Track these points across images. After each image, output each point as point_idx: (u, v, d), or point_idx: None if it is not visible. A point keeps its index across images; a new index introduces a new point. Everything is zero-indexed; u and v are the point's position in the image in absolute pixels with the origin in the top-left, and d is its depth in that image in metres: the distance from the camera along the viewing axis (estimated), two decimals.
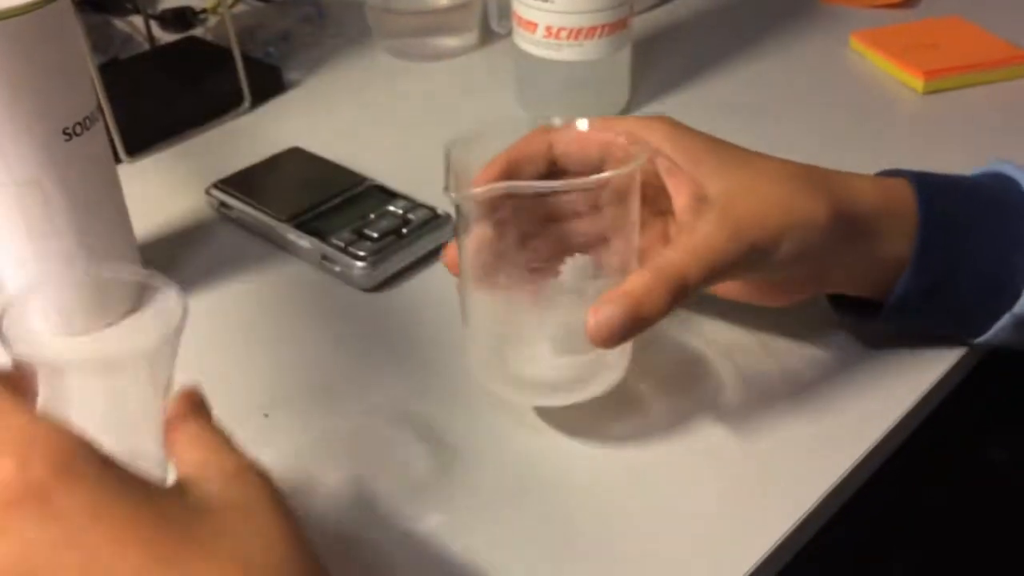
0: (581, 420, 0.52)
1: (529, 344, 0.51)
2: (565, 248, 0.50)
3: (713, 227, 0.46)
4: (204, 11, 0.96)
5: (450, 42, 0.91)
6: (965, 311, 0.52)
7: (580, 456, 0.50)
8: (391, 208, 0.65)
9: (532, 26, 0.75)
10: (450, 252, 0.51)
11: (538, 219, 0.50)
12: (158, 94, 0.82)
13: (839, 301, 0.56)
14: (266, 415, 0.53)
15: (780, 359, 0.55)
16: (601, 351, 0.46)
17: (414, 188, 0.67)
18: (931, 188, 0.51)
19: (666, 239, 0.54)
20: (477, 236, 0.48)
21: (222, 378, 0.54)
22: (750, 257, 0.47)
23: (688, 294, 0.45)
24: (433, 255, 0.64)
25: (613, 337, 0.44)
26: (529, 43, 0.76)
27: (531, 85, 0.79)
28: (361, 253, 0.61)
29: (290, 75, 0.88)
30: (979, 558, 0.75)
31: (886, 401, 0.52)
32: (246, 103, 0.82)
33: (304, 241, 0.63)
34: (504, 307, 0.50)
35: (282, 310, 0.61)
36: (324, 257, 0.62)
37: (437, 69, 0.89)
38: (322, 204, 0.66)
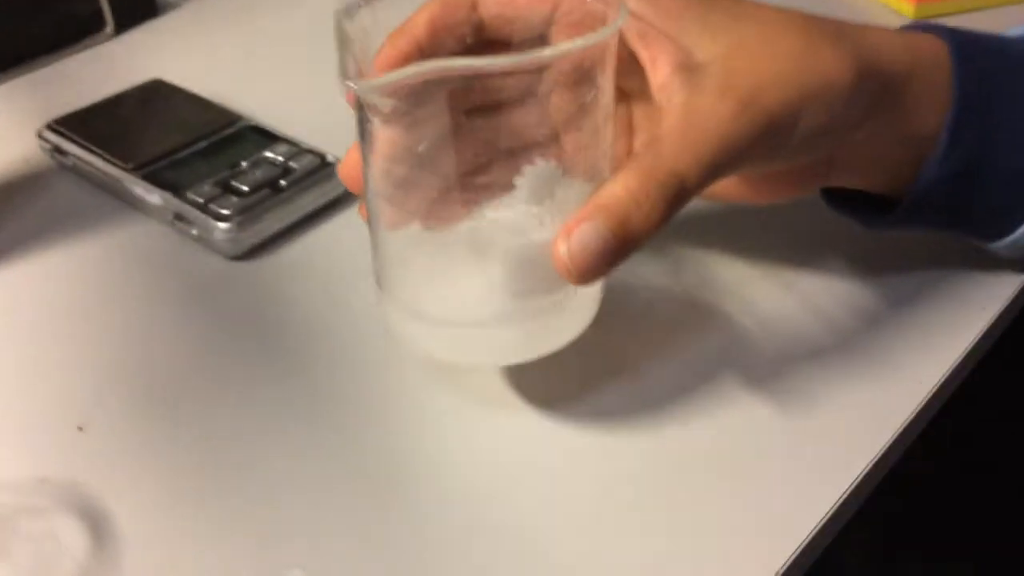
0: (554, 391, 0.41)
1: (465, 285, 0.38)
2: (504, 151, 0.37)
3: (712, 101, 0.35)
4: None
5: None
6: (992, 206, 0.42)
7: (557, 441, 0.39)
8: (268, 154, 0.52)
9: None
10: (348, 160, 0.39)
11: (468, 113, 0.37)
12: None
13: (833, 197, 0.44)
14: (80, 428, 0.40)
15: (802, 295, 0.44)
16: (562, 288, 0.34)
17: (301, 130, 0.54)
18: (968, 49, 0.40)
19: (630, 133, 0.42)
20: (387, 142, 0.35)
21: (36, 373, 0.42)
22: (766, 138, 0.35)
23: (688, 198, 0.34)
24: (320, 214, 0.51)
25: (593, 266, 0.33)
26: None
27: None
28: (224, 211, 0.48)
29: None
30: None
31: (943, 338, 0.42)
32: (108, 28, 0.68)
33: (154, 196, 0.50)
34: (428, 237, 0.38)
35: (123, 283, 0.48)
36: (178, 216, 0.49)
37: None
38: (182, 149, 0.53)
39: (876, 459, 0.37)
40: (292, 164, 0.51)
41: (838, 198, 0.44)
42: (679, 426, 0.39)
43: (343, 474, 0.38)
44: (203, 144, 0.53)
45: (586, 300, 0.38)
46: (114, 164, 0.52)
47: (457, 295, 0.37)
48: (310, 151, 0.52)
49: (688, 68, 0.36)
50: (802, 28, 0.37)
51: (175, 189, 0.50)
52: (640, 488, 0.37)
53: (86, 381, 0.42)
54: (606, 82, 0.35)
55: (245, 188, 0.49)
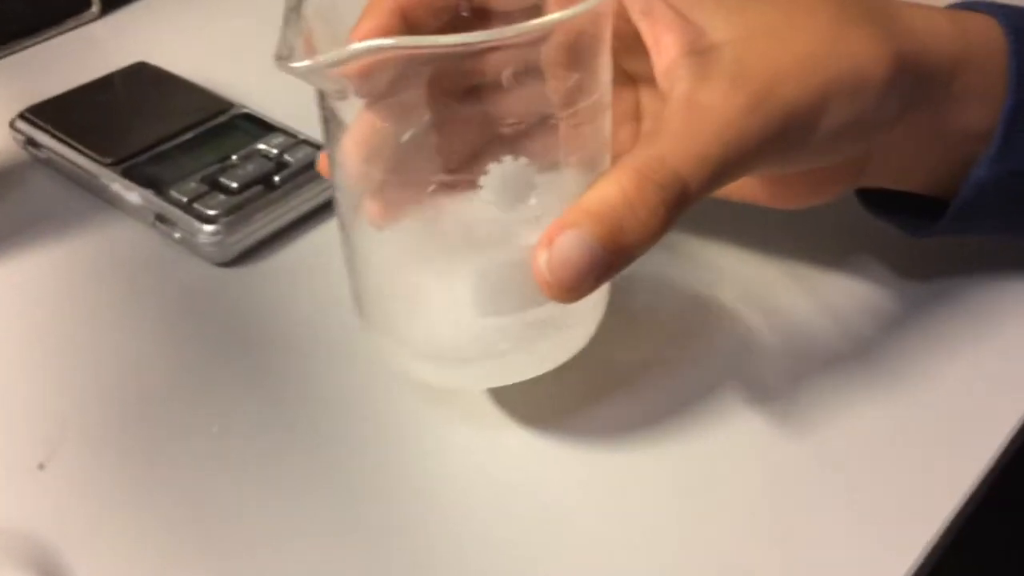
0: (547, 405, 0.36)
1: (443, 299, 0.33)
2: (489, 143, 0.32)
3: (721, 92, 0.30)
4: None
5: None
6: None
7: (551, 461, 0.34)
8: (261, 147, 0.47)
9: None
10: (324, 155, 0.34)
11: (453, 97, 0.32)
12: None
13: (871, 197, 0.39)
14: (41, 466, 0.35)
15: (824, 300, 0.39)
16: (555, 304, 0.29)
17: (299, 119, 0.49)
18: None
19: (636, 120, 0.37)
20: (357, 133, 0.30)
21: None
22: (782, 137, 0.30)
23: (690, 204, 0.29)
24: (318, 213, 0.45)
25: (577, 282, 0.28)
26: None
27: None
28: (210, 212, 0.43)
29: None
30: None
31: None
32: (94, 7, 0.63)
33: (133, 194, 0.45)
34: (403, 242, 0.33)
35: (96, 292, 0.43)
36: (159, 217, 0.44)
37: None
38: (166, 141, 0.47)
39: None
40: (288, 157, 0.46)
41: (875, 198, 0.39)
42: (680, 444, 0.34)
43: (336, 515, 0.32)
44: (190, 135, 0.48)
45: (583, 314, 0.33)
46: (90, 158, 0.46)
47: (437, 318, 0.33)
48: (308, 143, 0.47)
49: (697, 51, 0.31)
50: (832, 8, 0.32)
51: (157, 186, 0.44)
52: (639, 510, 0.32)
53: (50, 408, 0.37)
54: (602, 62, 0.30)
55: (234, 185, 0.44)
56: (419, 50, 0.27)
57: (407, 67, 0.28)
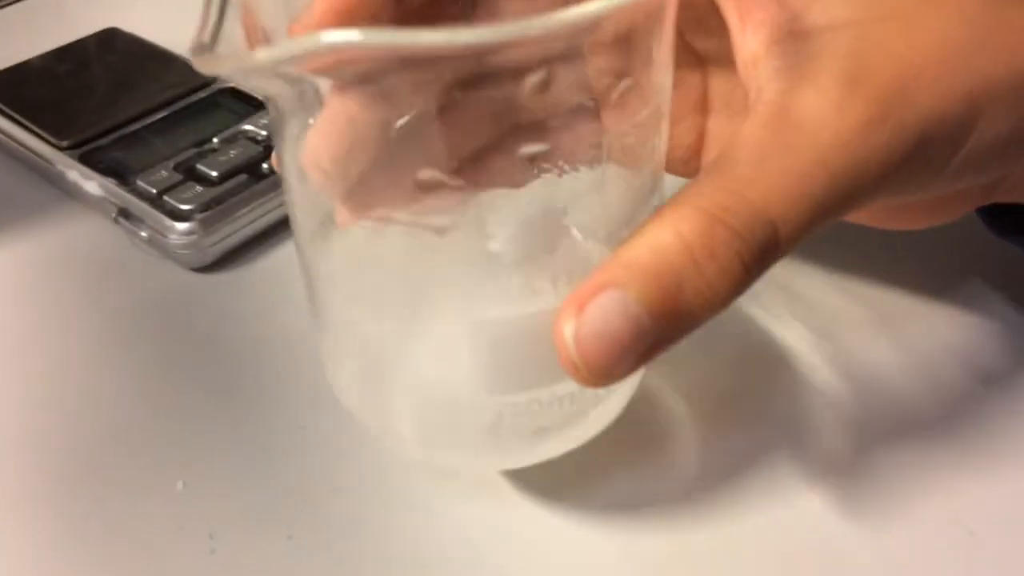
0: (567, 478, 0.28)
1: (433, 367, 0.26)
2: (504, 137, 0.24)
3: (834, 100, 0.21)
4: None
5: None
6: None
7: (574, 546, 0.27)
8: (247, 128, 0.39)
9: None
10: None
11: (458, 88, 0.22)
12: None
13: (994, 215, 0.30)
14: None
15: (910, 345, 0.31)
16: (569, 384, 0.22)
17: None
18: None
19: (702, 112, 0.30)
20: (326, 126, 0.22)
21: None
22: (913, 161, 0.22)
23: (777, 257, 0.21)
24: None
25: (613, 363, 0.20)
26: None
27: None
28: (184, 207, 0.35)
29: None
30: None
31: None
32: None
33: (92, 183, 0.37)
34: (381, 282, 0.25)
35: (47, 300, 0.35)
36: (123, 212, 0.36)
37: None
38: (135, 121, 0.40)
39: None
40: None
41: (1000, 216, 0.30)
42: (728, 523, 0.27)
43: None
44: (164, 113, 0.40)
45: (612, 398, 0.26)
46: (44, 140, 0.39)
47: (427, 393, 0.26)
48: None
49: (795, 36, 0.23)
50: None
51: (121, 175, 0.37)
52: None
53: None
54: (662, 59, 0.22)
55: (214, 174, 0.37)
56: (413, 50, 0.18)
57: (397, 64, 0.20)
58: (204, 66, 0.19)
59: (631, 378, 0.24)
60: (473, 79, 0.21)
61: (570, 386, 0.24)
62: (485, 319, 0.23)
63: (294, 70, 0.19)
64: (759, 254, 0.20)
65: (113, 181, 0.37)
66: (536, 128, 0.23)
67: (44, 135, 0.39)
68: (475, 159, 0.24)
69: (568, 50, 0.21)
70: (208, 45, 0.19)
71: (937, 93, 0.22)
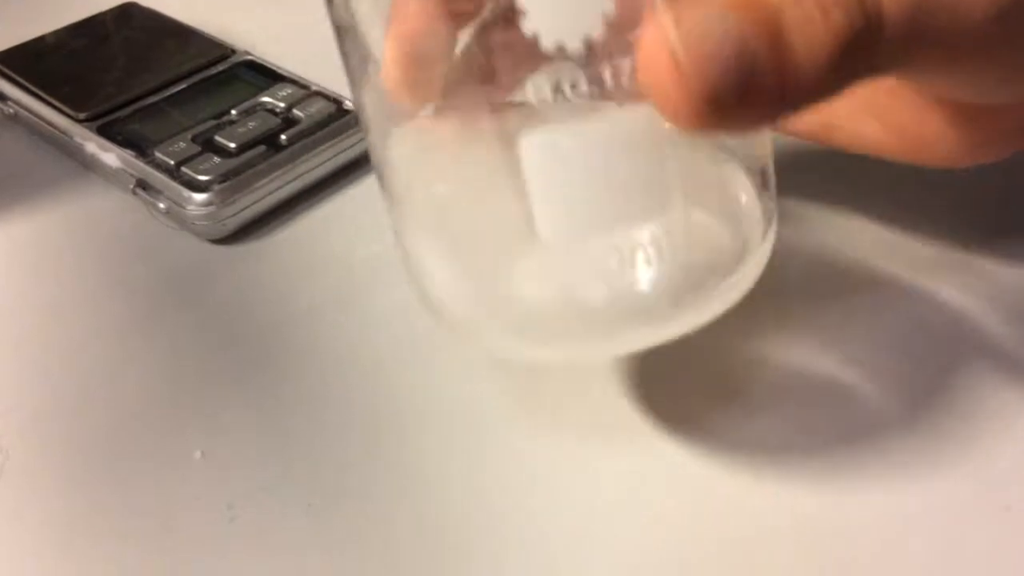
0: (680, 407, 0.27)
1: (517, 231, 0.22)
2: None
3: None
4: None
5: None
6: None
7: (691, 486, 0.25)
8: (266, 99, 0.39)
9: None
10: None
11: None
12: None
13: None
14: None
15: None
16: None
17: (313, 68, 0.41)
18: None
19: None
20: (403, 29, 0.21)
21: None
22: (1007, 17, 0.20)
23: (878, 48, 0.19)
24: (333, 181, 0.38)
25: (723, 73, 0.17)
26: None
27: None
28: (202, 178, 0.35)
29: None
30: None
31: None
32: None
33: (110, 155, 0.37)
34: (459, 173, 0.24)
35: (65, 274, 0.35)
36: (141, 184, 0.36)
37: None
38: (154, 93, 0.40)
39: None
40: (297, 112, 0.38)
41: None
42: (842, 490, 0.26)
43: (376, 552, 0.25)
44: (183, 86, 0.40)
45: (730, 229, 0.22)
46: (63, 112, 0.39)
47: (516, 263, 0.23)
48: (322, 94, 0.39)
49: None
50: None
51: (139, 147, 0.37)
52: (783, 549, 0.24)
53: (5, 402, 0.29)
54: None
55: (232, 145, 0.36)
56: None
57: None
58: None
59: (759, 223, 0.22)
60: None
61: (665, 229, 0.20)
62: (538, 139, 0.20)
63: None
64: (860, 28, 0.18)
65: (131, 153, 0.36)
66: None
67: (62, 107, 0.39)
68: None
69: None
70: None
71: None
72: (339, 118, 0.38)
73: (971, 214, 0.33)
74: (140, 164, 0.36)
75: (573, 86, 0.19)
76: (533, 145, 0.20)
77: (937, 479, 0.25)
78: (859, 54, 0.19)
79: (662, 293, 0.22)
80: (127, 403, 0.30)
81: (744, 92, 0.17)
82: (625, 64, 0.19)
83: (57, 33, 0.44)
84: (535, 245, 0.21)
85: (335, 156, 0.37)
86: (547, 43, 0.18)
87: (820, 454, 0.26)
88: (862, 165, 0.29)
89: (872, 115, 0.27)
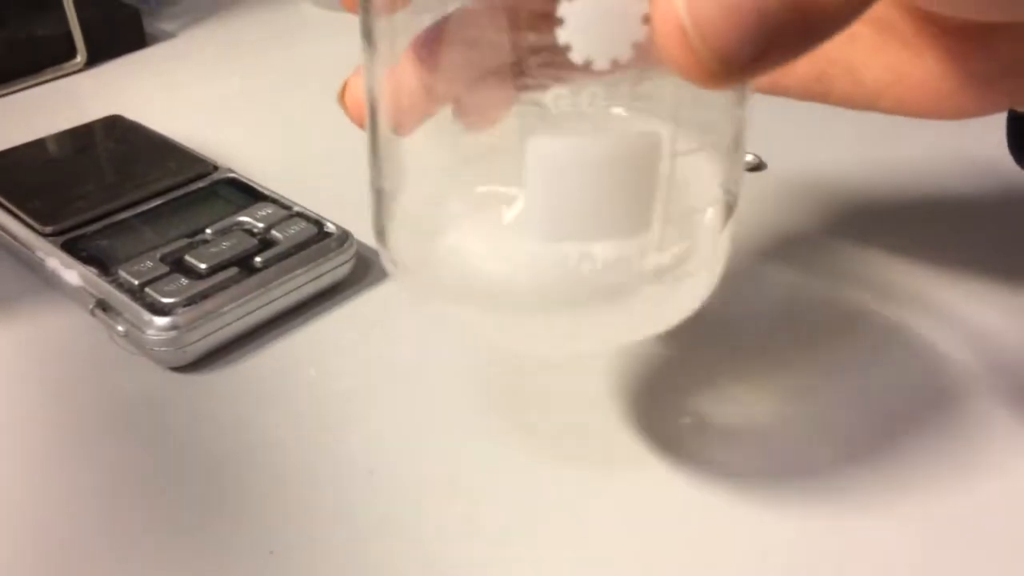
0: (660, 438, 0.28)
1: (499, 214, 0.23)
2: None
3: None
4: None
5: None
6: None
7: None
8: (244, 219, 0.37)
9: None
10: (352, 82, 0.25)
11: None
12: None
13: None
14: None
15: None
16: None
17: (298, 187, 0.39)
18: None
19: None
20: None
21: None
22: None
23: None
24: (309, 306, 0.35)
25: (736, 32, 0.16)
26: None
27: None
28: (165, 300, 0.33)
29: (161, 25, 0.60)
30: None
31: None
32: (79, 57, 0.54)
33: (72, 272, 0.35)
34: (458, 145, 0.24)
35: (12, 401, 0.32)
36: (101, 304, 0.33)
37: None
38: (127, 209, 0.38)
39: None
40: (276, 234, 0.36)
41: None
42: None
43: None
44: (159, 202, 0.38)
45: (699, 250, 0.23)
46: (27, 225, 0.37)
47: (492, 242, 0.23)
48: (303, 215, 0.37)
49: None
50: None
51: (103, 265, 0.34)
52: None
53: None
54: None
55: (203, 266, 0.34)
56: None
57: None
58: None
59: (712, 252, 0.23)
60: None
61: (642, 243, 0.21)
62: (546, 144, 0.20)
63: None
64: None
65: (94, 270, 0.34)
66: None
67: (28, 221, 0.37)
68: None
69: None
70: None
71: None
72: (319, 241, 0.36)
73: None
74: (102, 283, 0.33)
75: (591, 99, 0.20)
76: (538, 148, 0.20)
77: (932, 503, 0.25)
78: None
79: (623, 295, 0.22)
80: (67, 535, 0.27)
81: (763, 43, 0.16)
82: (646, 87, 0.21)
83: (36, 143, 0.43)
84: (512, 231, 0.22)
85: (312, 281, 0.35)
86: (577, 57, 0.19)
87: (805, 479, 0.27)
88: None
89: (870, 59, 0.27)
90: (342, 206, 0.38)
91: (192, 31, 0.60)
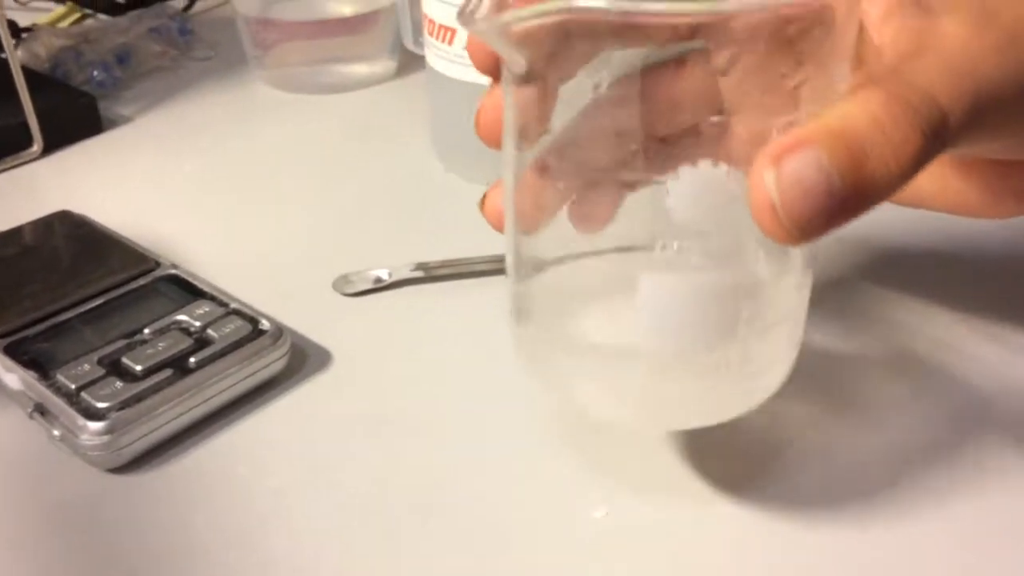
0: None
1: (609, 316, 0.30)
2: (683, 140, 0.29)
3: (964, 28, 0.25)
4: (31, 28, 0.70)
5: (355, 69, 0.65)
6: None
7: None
8: (182, 318, 0.38)
9: (449, 34, 0.49)
10: (486, 108, 0.31)
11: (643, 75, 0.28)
12: None
13: None
14: None
15: None
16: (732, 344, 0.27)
17: (246, 283, 0.41)
18: None
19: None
20: (520, 108, 0.28)
21: None
22: None
23: (948, 139, 0.24)
24: (243, 403, 0.37)
25: (811, 212, 0.23)
26: (445, 59, 0.50)
27: (450, 125, 0.53)
28: (100, 405, 0.34)
29: (120, 110, 0.62)
30: None
31: None
32: (35, 146, 0.56)
33: (12, 376, 0.36)
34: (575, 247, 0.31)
35: None
36: (39, 409, 0.35)
37: (332, 105, 0.63)
38: (69, 309, 0.39)
39: None
40: (212, 332, 0.37)
41: None
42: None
43: None
44: (100, 301, 0.39)
45: (773, 352, 0.29)
46: None
47: (603, 335, 0.30)
48: (240, 313, 0.38)
49: (912, 3, 0.27)
50: None
51: (43, 369, 0.36)
52: None
53: None
54: (839, 58, 0.26)
55: (138, 368, 0.35)
56: (637, 16, 0.23)
57: (598, 36, 0.26)
58: (466, 25, 0.24)
59: (785, 352, 0.29)
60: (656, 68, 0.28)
61: (730, 352, 0.28)
62: (654, 272, 0.27)
63: (523, 29, 0.24)
64: (934, 130, 0.23)
65: (33, 375, 0.35)
66: (712, 136, 0.28)
67: None
68: (654, 159, 0.28)
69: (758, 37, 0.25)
70: (470, 11, 0.24)
71: None
72: (253, 339, 0.37)
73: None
74: (40, 387, 0.35)
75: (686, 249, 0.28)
76: (651, 284, 0.27)
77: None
78: (930, 156, 0.23)
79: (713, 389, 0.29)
80: None
81: (830, 217, 0.23)
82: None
83: None
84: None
85: (245, 379, 0.36)
86: (676, 217, 0.26)
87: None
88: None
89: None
90: (282, 297, 0.40)
91: (148, 115, 0.61)
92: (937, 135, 0.23)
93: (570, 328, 0.31)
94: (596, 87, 0.27)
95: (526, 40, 0.25)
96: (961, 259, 0.44)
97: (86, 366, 0.35)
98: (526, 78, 0.27)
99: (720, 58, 0.28)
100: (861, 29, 0.27)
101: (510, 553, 0.31)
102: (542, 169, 0.29)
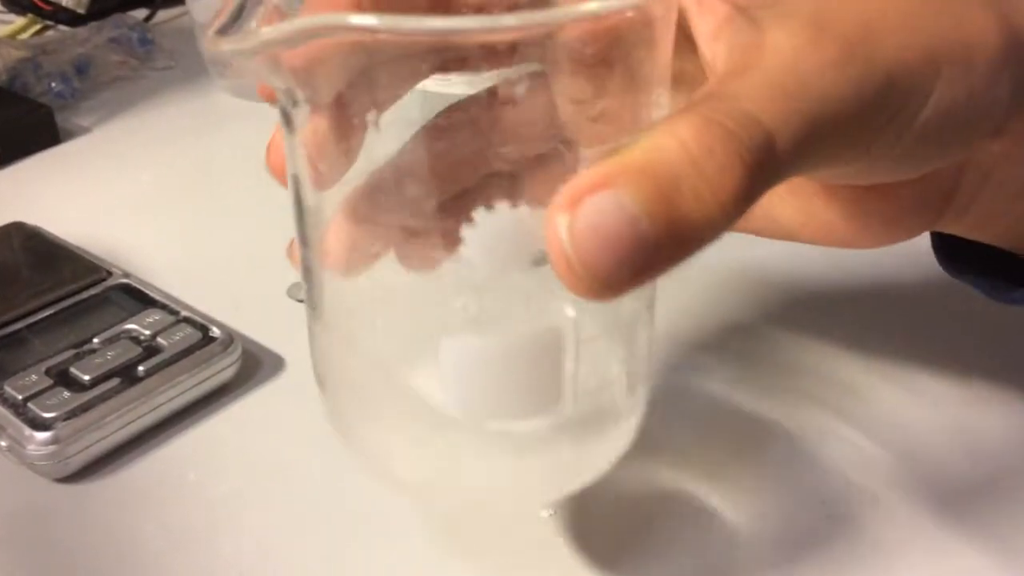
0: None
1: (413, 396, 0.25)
2: (480, 182, 0.26)
3: (807, 38, 0.22)
4: None
5: None
6: None
7: None
8: (131, 327, 0.38)
9: None
10: (274, 145, 0.27)
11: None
12: None
13: (949, 253, 0.32)
14: None
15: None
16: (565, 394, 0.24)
17: (201, 291, 0.41)
18: None
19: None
20: (314, 140, 0.24)
21: None
22: (884, 104, 0.22)
23: (778, 169, 0.21)
24: (192, 411, 0.37)
25: (611, 265, 0.19)
26: None
27: None
28: (46, 415, 0.34)
29: (79, 120, 0.61)
30: None
31: None
32: None
33: None
34: (362, 309, 0.27)
35: None
36: None
37: None
38: (19, 320, 0.39)
39: None
40: (161, 341, 0.37)
41: (955, 255, 0.31)
42: None
43: None
44: (50, 311, 0.39)
45: (613, 410, 0.26)
46: None
47: (408, 418, 0.26)
48: (190, 321, 0.38)
49: (762, 4, 0.23)
50: None
51: None
52: None
53: None
54: (655, 65, 0.23)
55: (86, 378, 0.35)
56: (401, 35, 0.19)
57: (373, 58, 0.22)
58: (211, 47, 0.20)
59: (633, 406, 0.26)
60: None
61: (560, 413, 0.24)
62: (457, 340, 0.23)
63: (274, 55, 0.20)
64: (758, 156, 0.19)
65: None
66: (511, 174, 0.25)
67: None
68: (448, 205, 0.25)
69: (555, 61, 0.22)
70: (220, 30, 0.20)
71: (898, 43, 0.22)
72: (203, 346, 0.37)
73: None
74: None
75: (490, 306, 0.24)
76: (451, 348, 0.23)
77: None
78: (758, 186, 0.20)
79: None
80: None
81: (641, 267, 0.19)
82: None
83: None
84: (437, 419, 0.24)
85: (193, 387, 0.36)
86: (476, 269, 0.22)
87: None
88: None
89: (781, 203, 0.29)
90: (236, 304, 0.40)
91: (107, 125, 0.61)
92: (762, 163, 0.20)
93: (377, 395, 0.27)
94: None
95: (309, 66, 0.21)
96: (856, 291, 0.42)
97: (33, 376, 0.35)
98: (318, 108, 0.23)
99: (505, 87, 0.24)
100: (694, 48, 0.24)
101: (461, 558, 0.31)
102: (354, 213, 0.25)
